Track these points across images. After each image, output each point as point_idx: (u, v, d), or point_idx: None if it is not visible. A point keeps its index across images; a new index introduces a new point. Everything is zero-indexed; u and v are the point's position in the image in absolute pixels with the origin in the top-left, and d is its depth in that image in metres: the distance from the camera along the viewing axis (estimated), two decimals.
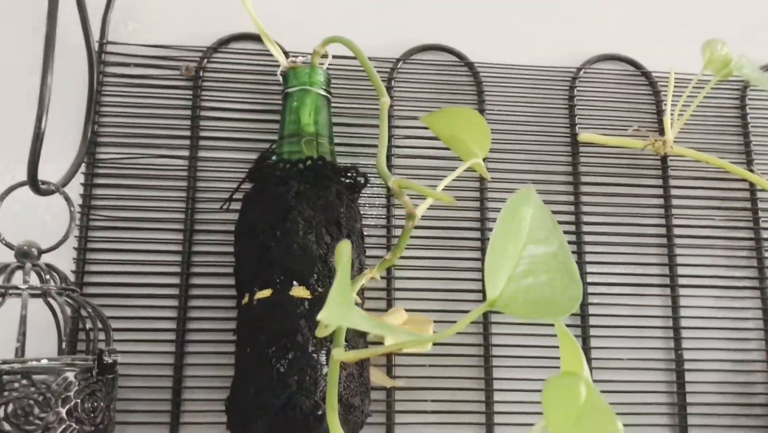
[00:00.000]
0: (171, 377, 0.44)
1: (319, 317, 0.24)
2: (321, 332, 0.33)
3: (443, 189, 0.37)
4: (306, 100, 0.43)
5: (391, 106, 0.49)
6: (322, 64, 0.45)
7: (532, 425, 0.31)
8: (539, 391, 0.28)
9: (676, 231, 0.49)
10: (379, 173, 0.35)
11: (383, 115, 0.38)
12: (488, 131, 0.38)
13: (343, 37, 0.42)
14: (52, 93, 0.35)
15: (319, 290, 0.38)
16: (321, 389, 0.36)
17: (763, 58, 0.52)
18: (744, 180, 0.50)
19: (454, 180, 0.49)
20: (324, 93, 0.44)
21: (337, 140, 0.47)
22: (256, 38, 0.49)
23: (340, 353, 0.33)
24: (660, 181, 0.50)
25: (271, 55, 0.46)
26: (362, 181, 0.43)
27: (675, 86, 0.47)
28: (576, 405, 0.27)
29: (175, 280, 0.45)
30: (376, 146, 0.48)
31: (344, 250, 0.28)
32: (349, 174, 0.43)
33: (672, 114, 0.47)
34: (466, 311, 0.46)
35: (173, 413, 0.43)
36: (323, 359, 0.37)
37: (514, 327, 0.46)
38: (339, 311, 0.25)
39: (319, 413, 0.36)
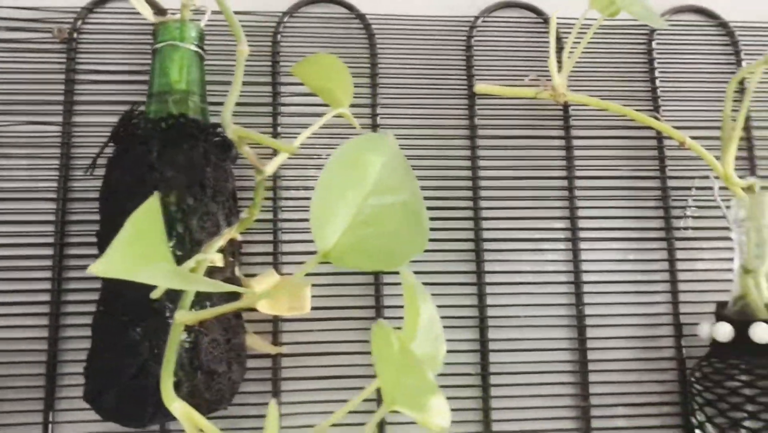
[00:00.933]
0: (45, 351, 0.42)
1: (89, 269, 0.22)
2: (155, 293, 0.31)
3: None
4: (174, 56, 0.41)
5: (277, 62, 0.47)
6: (199, 20, 0.43)
7: None
8: None
9: (578, 183, 0.47)
10: (222, 124, 0.33)
11: (239, 65, 0.36)
12: (350, 79, 0.36)
13: None
14: None
15: (179, 253, 0.36)
16: (179, 356, 0.34)
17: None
18: (651, 128, 0.47)
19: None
20: (196, 49, 0.41)
21: (215, 100, 0.44)
22: None
23: (183, 315, 0.31)
24: (562, 132, 0.48)
25: None
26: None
27: (570, 31, 0.45)
28: (394, 356, 0.25)
29: (49, 251, 0.43)
30: (258, 104, 0.46)
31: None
32: (217, 132, 0.40)
33: (569, 58, 0.44)
34: (358, 273, 0.45)
35: (47, 388, 0.42)
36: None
37: None
38: (120, 262, 0.23)
39: (175, 380, 0.34)
